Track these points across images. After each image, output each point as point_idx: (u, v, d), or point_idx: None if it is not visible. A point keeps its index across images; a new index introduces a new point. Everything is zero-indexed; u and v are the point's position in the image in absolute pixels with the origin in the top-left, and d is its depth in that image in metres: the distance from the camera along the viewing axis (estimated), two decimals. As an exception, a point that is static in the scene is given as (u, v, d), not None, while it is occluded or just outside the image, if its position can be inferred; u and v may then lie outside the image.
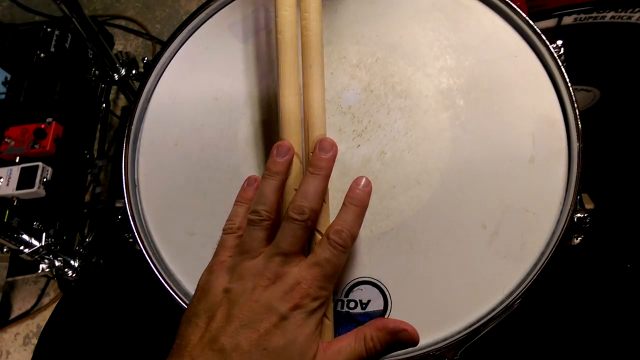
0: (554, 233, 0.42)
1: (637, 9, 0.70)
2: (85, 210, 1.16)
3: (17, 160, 1.16)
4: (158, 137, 0.51)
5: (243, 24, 0.54)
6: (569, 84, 0.46)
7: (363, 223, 0.43)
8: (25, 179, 1.12)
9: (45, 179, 1.13)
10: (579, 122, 0.45)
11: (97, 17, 1.59)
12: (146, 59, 0.54)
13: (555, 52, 0.48)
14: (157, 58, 0.53)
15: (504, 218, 0.43)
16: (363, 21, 0.53)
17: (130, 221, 0.46)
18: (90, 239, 1.07)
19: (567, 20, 0.72)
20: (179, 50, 0.55)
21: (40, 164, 1.12)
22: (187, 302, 0.43)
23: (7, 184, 1.11)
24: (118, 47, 1.55)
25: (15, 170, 1.13)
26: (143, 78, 0.53)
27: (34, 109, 1.25)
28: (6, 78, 1.31)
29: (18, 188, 1.10)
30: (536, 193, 0.44)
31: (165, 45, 0.54)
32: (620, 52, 0.80)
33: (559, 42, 0.48)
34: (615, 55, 0.81)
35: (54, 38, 1.38)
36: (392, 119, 0.48)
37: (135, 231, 0.45)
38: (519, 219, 0.43)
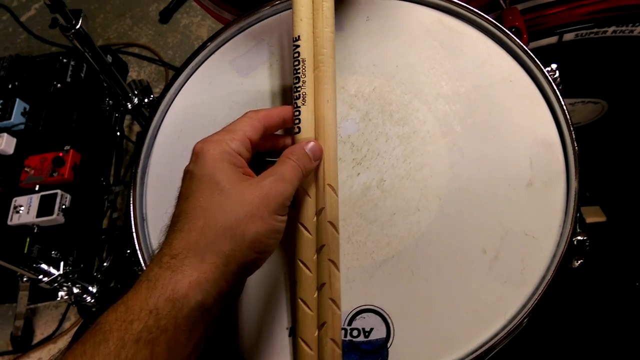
0: (554, 256, 0.42)
1: (637, 24, 0.70)
2: (103, 236, 1.19)
3: (36, 189, 1.19)
4: (165, 171, 0.53)
5: (245, 58, 0.56)
6: (565, 107, 0.47)
7: (365, 251, 0.45)
8: (45, 207, 1.15)
9: (64, 206, 1.16)
10: (576, 145, 0.45)
11: (111, 45, 1.64)
12: (152, 96, 0.55)
13: (550, 75, 0.48)
14: (163, 94, 0.55)
15: (503, 242, 0.43)
16: (360, 52, 0.54)
17: (139, 256, 0.47)
18: (108, 263, 1.09)
19: (569, 36, 0.72)
20: (184, 87, 0.57)
21: (58, 191, 1.16)
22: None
23: (28, 212, 1.15)
24: (132, 74, 1.59)
25: (35, 199, 1.16)
26: (149, 114, 0.54)
27: (52, 137, 1.29)
28: (25, 109, 1.36)
29: (38, 216, 1.14)
30: (535, 217, 0.44)
31: (170, 82, 0.56)
32: (625, 64, 0.80)
33: (554, 66, 0.49)
34: (620, 67, 0.81)
35: (70, 68, 1.42)
36: (391, 147, 0.49)
37: (143, 265, 0.47)
38: (518, 243, 0.43)
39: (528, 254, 0.43)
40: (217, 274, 0.33)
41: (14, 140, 1.31)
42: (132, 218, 0.49)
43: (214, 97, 0.55)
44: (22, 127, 1.34)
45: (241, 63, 0.56)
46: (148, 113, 1.13)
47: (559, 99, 0.47)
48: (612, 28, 0.71)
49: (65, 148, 1.24)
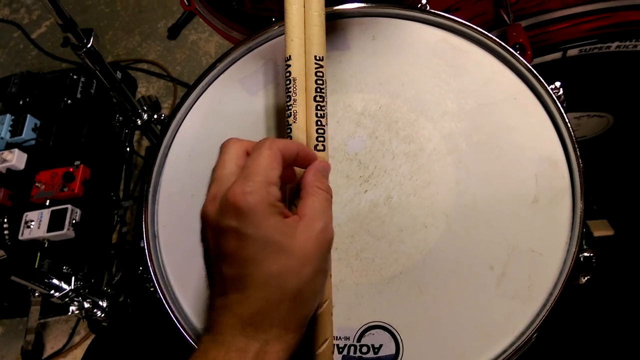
0: (561, 273, 0.43)
1: (640, 39, 0.70)
2: (112, 251, 1.20)
3: (47, 204, 1.21)
4: (176, 189, 0.54)
5: (253, 78, 0.57)
6: (569, 125, 0.47)
7: (373, 267, 0.45)
8: (56, 222, 1.17)
9: (74, 221, 1.17)
10: (581, 162, 0.46)
11: (120, 62, 1.67)
12: (163, 115, 0.57)
13: (554, 93, 0.49)
14: (173, 114, 0.56)
15: (510, 259, 0.44)
16: (366, 70, 0.55)
17: (150, 272, 0.48)
18: (118, 278, 1.10)
19: (573, 52, 0.73)
20: (194, 105, 0.58)
21: (69, 206, 1.17)
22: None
23: (39, 227, 1.16)
24: (141, 89, 1.62)
25: (46, 214, 1.18)
26: (161, 133, 0.56)
27: (63, 153, 1.31)
28: (36, 125, 1.38)
29: (49, 230, 1.15)
30: (541, 233, 0.44)
31: (181, 100, 0.57)
32: (629, 77, 0.80)
33: (557, 84, 0.49)
34: (624, 81, 0.81)
35: (80, 85, 1.45)
36: (398, 164, 0.50)
37: (156, 282, 0.48)
38: (525, 260, 0.44)
39: (535, 271, 0.43)
40: (297, 339, 0.34)
41: (25, 155, 1.33)
42: (144, 235, 0.50)
43: (223, 115, 0.56)
44: (32, 142, 1.36)
45: (250, 82, 0.57)
46: (158, 129, 1.15)
47: (563, 116, 0.48)
48: (616, 43, 0.71)
49: (75, 163, 1.26)
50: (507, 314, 0.42)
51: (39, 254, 1.14)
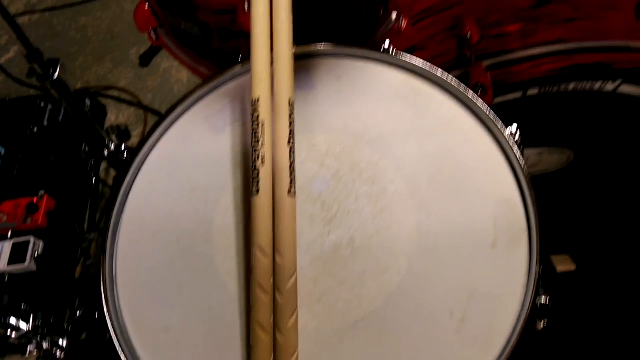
0: (519, 318, 0.43)
1: (596, 80, 0.73)
2: (75, 287, 1.16)
3: (9, 235, 1.17)
4: (137, 228, 0.53)
5: (219, 116, 0.57)
6: (525, 168, 0.48)
7: (336, 312, 0.45)
8: (17, 254, 1.12)
9: (37, 254, 1.13)
10: (537, 206, 0.47)
11: (90, 88, 1.65)
12: (126, 152, 0.56)
13: (512, 136, 0.50)
14: (136, 152, 0.56)
15: (470, 304, 0.44)
16: (330, 110, 0.56)
17: (107, 321, 0.47)
18: (80, 315, 1.06)
19: (533, 91, 0.75)
20: (158, 143, 0.57)
21: (31, 238, 1.13)
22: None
23: (-1, 260, 1.12)
24: (111, 116, 1.60)
25: (7, 246, 1.13)
26: (122, 172, 0.55)
27: (27, 182, 1.27)
28: (0, 153, 1.34)
29: (10, 263, 1.10)
30: (500, 277, 0.45)
31: (146, 136, 0.57)
32: (587, 115, 0.83)
33: (514, 127, 0.51)
34: (582, 118, 0.84)
35: (47, 112, 1.42)
36: (361, 205, 0.50)
37: (112, 332, 0.46)
38: (484, 305, 0.44)
39: (494, 316, 0.43)
40: None
41: (-13, 184, 1.29)
42: (102, 283, 0.48)
43: (188, 153, 0.56)
44: (-3, 171, 1.32)
45: (215, 121, 0.57)
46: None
47: (519, 160, 0.49)
48: (573, 84, 0.74)
49: (40, 193, 1.22)
50: (468, 360, 0.42)
51: (-3, 289, 1.10)
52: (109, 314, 0.47)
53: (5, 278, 1.11)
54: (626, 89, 0.76)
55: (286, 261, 0.43)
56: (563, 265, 0.78)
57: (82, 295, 1.16)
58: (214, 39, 0.64)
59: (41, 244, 1.15)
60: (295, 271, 0.43)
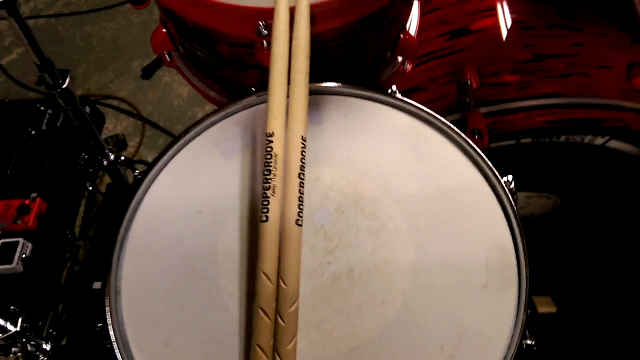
0: (505, 357, 0.45)
1: (585, 134, 0.77)
2: (61, 291, 1.16)
3: (-2, 236, 1.17)
4: (143, 246, 0.54)
5: (230, 142, 0.60)
6: (518, 216, 0.52)
7: (331, 340, 0.47)
8: (5, 255, 1.12)
9: (24, 255, 1.13)
10: (527, 252, 0.50)
11: (90, 96, 1.66)
12: (137, 172, 0.58)
13: (506, 185, 0.53)
14: (147, 171, 0.58)
15: (460, 341, 0.47)
16: (337, 146, 0.58)
17: (110, 330, 0.48)
18: (64, 319, 1.06)
19: (526, 140, 0.79)
20: (169, 164, 0.59)
21: (20, 240, 1.13)
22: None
23: (-14, 260, 1.12)
24: (109, 125, 1.61)
25: (-5, 245, 1.13)
26: (132, 189, 0.57)
27: (20, 183, 1.27)
28: (-5, 153, 1.35)
29: (-3, 263, 1.11)
30: (489, 318, 0.48)
31: (157, 157, 0.59)
32: (575, 166, 0.87)
33: (510, 177, 0.54)
34: (570, 168, 0.88)
35: (47, 117, 1.43)
36: (361, 239, 0.53)
37: (114, 341, 0.48)
38: (473, 343, 0.47)
39: (482, 354, 0.46)
40: None
41: (-21, 183, 1.28)
42: (107, 293, 0.50)
43: (197, 176, 0.58)
44: (-12, 171, 1.32)
45: (226, 146, 0.60)
46: (123, 170, 1.15)
47: (513, 208, 0.52)
48: (564, 137, 0.78)
49: (32, 195, 1.23)
50: (455, 395, 0.44)
51: (-18, 289, 1.09)
52: (112, 325, 0.48)
53: (-9, 278, 1.10)
54: (614, 144, 0.81)
55: (290, 288, 0.45)
56: (544, 306, 0.81)
57: (66, 300, 1.16)
58: (227, 68, 0.67)
59: (30, 246, 1.15)
60: (297, 298, 0.45)
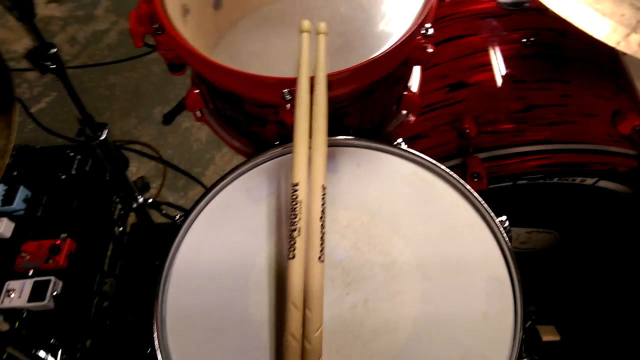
0: (504, 377, 0.52)
1: (576, 177, 0.85)
2: (92, 325, 1.23)
3: (30, 274, 1.24)
4: (183, 280, 0.62)
5: (257, 189, 0.68)
6: (512, 252, 0.59)
7: (351, 363, 0.54)
8: (37, 292, 1.20)
9: (55, 292, 1.21)
10: (521, 284, 0.57)
11: (115, 142, 1.77)
12: (177, 217, 0.66)
13: (501, 224, 0.61)
14: (187, 215, 0.66)
15: (464, 361, 0.54)
16: (351, 192, 0.67)
17: (158, 355, 0.56)
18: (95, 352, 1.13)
19: (521, 181, 0.87)
20: (205, 209, 0.68)
21: (52, 278, 1.21)
22: None
23: (19, 296, 1.19)
24: (132, 168, 1.71)
25: (29, 284, 1.21)
26: (174, 232, 0.65)
27: (51, 224, 1.36)
28: (27, 196, 1.44)
29: (30, 300, 1.18)
30: (490, 341, 0.55)
31: (195, 203, 0.67)
32: (570, 203, 0.95)
33: (504, 218, 0.62)
34: (566, 205, 0.96)
35: (76, 162, 1.53)
36: (375, 273, 0.60)
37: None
38: (476, 363, 0.53)
39: (483, 374, 0.53)
40: None
41: (13, 224, 1.37)
42: (155, 321, 0.57)
43: (230, 218, 0.66)
44: (22, 212, 1.41)
45: (254, 192, 0.68)
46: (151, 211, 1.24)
47: (508, 245, 0.60)
48: (556, 179, 0.86)
49: (62, 236, 1.31)
50: (460, 410, 0.51)
51: (17, 323, 1.16)
52: (160, 349, 0.56)
53: (24, 314, 1.18)
54: (604, 184, 0.88)
55: (314, 315, 0.52)
56: (548, 335, 0.87)
57: (94, 334, 1.23)
58: (254, 124, 0.76)
59: (60, 284, 1.23)
60: (321, 324, 0.53)
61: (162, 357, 0.56)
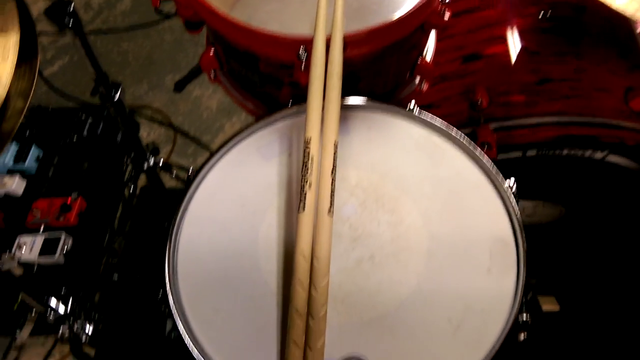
0: (503, 329, 0.54)
1: (586, 149, 0.86)
2: (99, 281, 1.27)
3: (41, 230, 1.27)
4: (195, 233, 0.64)
5: (269, 147, 0.70)
6: (518, 214, 0.60)
7: (355, 311, 0.56)
8: (48, 248, 1.23)
9: (66, 248, 1.24)
10: (526, 244, 0.58)
11: (127, 106, 1.78)
12: (191, 169, 0.68)
13: (509, 187, 0.62)
14: (198, 171, 0.67)
15: (465, 315, 0.55)
16: (362, 152, 0.68)
17: (169, 298, 0.57)
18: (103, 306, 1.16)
19: (531, 152, 0.88)
20: (216, 165, 0.69)
21: (63, 233, 1.24)
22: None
23: (30, 251, 1.22)
24: (143, 133, 1.73)
25: (39, 239, 1.24)
26: (186, 186, 0.66)
27: (62, 184, 1.39)
28: (39, 155, 1.46)
29: (40, 255, 1.21)
30: (491, 297, 0.56)
31: (205, 161, 0.68)
32: (577, 177, 0.96)
33: (512, 180, 0.63)
34: (573, 179, 0.97)
35: (87, 124, 1.55)
36: (381, 230, 0.62)
37: (173, 307, 0.57)
38: (477, 317, 0.55)
39: (484, 326, 0.54)
40: None
41: (24, 182, 1.40)
42: (167, 269, 0.59)
43: (242, 175, 0.68)
44: (33, 171, 1.43)
45: (265, 151, 0.70)
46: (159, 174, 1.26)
47: (514, 207, 0.61)
48: (566, 150, 0.87)
49: (73, 194, 1.34)
50: (460, 359, 0.53)
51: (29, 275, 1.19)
52: (171, 294, 0.58)
53: (34, 268, 1.21)
54: (613, 158, 0.89)
55: (322, 265, 0.54)
56: (548, 305, 0.89)
57: (102, 290, 1.26)
58: (267, 86, 0.77)
59: (71, 240, 1.26)
60: (328, 273, 0.54)
61: (172, 299, 0.57)
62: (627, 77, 0.93)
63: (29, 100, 0.67)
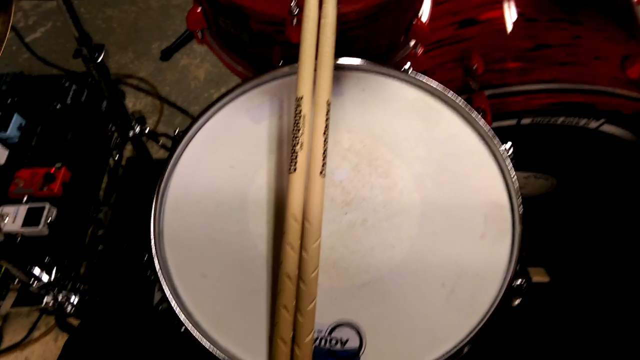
0: (497, 294, 0.53)
1: (582, 117, 0.84)
2: (85, 251, 1.24)
3: (24, 200, 1.24)
4: (182, 195, 0.62)
5: (259, 109, 0.67)
6: (514, 179, 0.59)
7: (346, 275, 0.54)
8: (32, 218, 1.20)
9: (50, 219, 1.21)
10: (521, 209, 0.57)
11: (111, 74, 1.73)
12: (177, 130, 0.65)
13: (505, 152, 0.61)
14: (185, 131, 0.65)
15: (459, 280, 0.54)
16: (355, 115, 0.66)
17: (155, 262, 0.56)
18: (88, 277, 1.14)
19: (526, 121, 0.86)
20: (204, 126, 0.66)
21: (46, 204, 1.21)
22: (199, 331, 0.52)
23: (13, 221, 1.19)
24: (128, 103, 1.68)
25: (23, 209, 1.21)
26: (173, 146, 0.64)
27: (45, 153, 1.35)
28: (21, 124, 1.42)
29: (24, 225, 1.18)
30: (485, 262, 0.55)
31: (193, 121, 0.66)
32: (572, 148, 0.94)
33: (509, 144, 0.61)
34: (567, 150, 0.96)
35: (71, 91, 1.50)
36: (374, 194, 0.60)
37: (159, 272, 0.55)
38: (471, 282, 0.54)
39: (477, 291, 0.53)
40: None
41: (7, 151, 1.36)
42: (152, 232, 0.57)
43: (230, 137, 0.65)
44: (16, 140, 1.39)
45: (255, 113, 0.67)
46: (145, 142, 1.22)
47: (510, 171, 0.59)
48: (562, 118, 0.85)
49: (57, 165, 1.30)
50: (453, 323, 0.52)
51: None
52: (157, 259, 0.56)
53: (18, 239, 1.18)
54: (608, 128, 0.88)
55: (313, 227, 0.52)
56: (538, 276, 0.88)
57: (88, 261, 1.24)
58: (257, 45, 0.74)
59: (55, 211, 1.23)
60: (319, 236, 0.53)
61: (159, 264, 0.56)
62: (623, 45, 0.91)
63: (4, 44, 0.63)
